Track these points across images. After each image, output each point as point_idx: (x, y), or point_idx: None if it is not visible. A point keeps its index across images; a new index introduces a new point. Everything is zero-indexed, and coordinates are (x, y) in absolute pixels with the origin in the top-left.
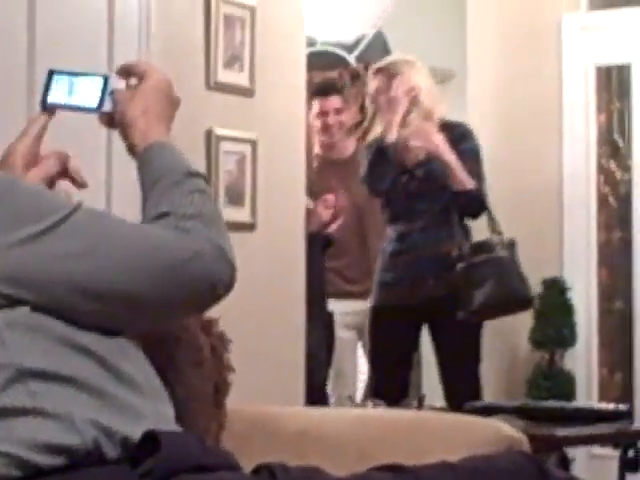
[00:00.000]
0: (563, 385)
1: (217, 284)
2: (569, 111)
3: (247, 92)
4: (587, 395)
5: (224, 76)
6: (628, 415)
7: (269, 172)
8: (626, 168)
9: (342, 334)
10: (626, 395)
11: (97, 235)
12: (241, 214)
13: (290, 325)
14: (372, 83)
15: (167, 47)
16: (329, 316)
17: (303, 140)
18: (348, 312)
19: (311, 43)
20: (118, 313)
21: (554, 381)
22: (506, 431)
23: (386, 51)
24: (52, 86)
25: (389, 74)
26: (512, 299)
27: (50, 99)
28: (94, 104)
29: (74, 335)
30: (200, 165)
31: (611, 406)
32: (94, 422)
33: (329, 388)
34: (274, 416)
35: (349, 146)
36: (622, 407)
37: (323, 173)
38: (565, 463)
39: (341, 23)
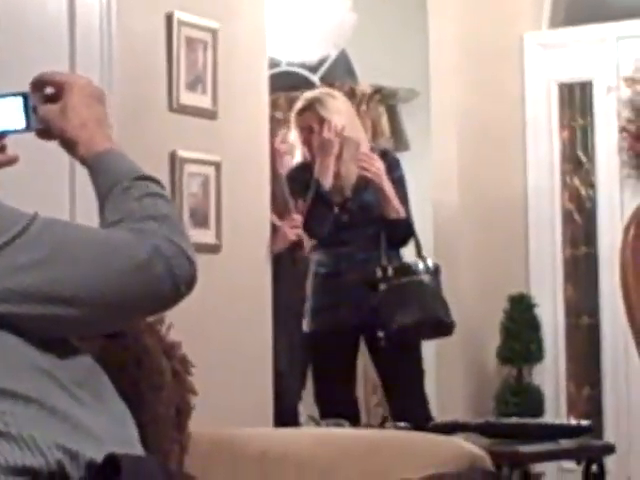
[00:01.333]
0: (531, 400)
1: (179, 281)
2: (532, 128)
3: (210, 114)
4: (555, 410)
5: (187, 98)
6: (591, 430)
7: (233, 194)
8: (590, 184)
9: None
10: (594, 410)
11: (57, 242)
12: (206, 236)
13: (256, 346)
14: (301, 122)
15: (129, 69)
16: (305, 336)
17: (267, 161)
18: None
19: (275, 64)
20: (83, 317)
21: (522, 397)
22: (468, 449)
23: (350, 71)
24: None
25: (318, 117)
26: (432, 323)
27: None
28: (22, 125)
29: (37, 357)
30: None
31: (574, 422)
32: (58, 445)
33: (301, 408)
34: (236, 438)
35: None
36: (584, 422)
37: None
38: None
39: (304, 44)
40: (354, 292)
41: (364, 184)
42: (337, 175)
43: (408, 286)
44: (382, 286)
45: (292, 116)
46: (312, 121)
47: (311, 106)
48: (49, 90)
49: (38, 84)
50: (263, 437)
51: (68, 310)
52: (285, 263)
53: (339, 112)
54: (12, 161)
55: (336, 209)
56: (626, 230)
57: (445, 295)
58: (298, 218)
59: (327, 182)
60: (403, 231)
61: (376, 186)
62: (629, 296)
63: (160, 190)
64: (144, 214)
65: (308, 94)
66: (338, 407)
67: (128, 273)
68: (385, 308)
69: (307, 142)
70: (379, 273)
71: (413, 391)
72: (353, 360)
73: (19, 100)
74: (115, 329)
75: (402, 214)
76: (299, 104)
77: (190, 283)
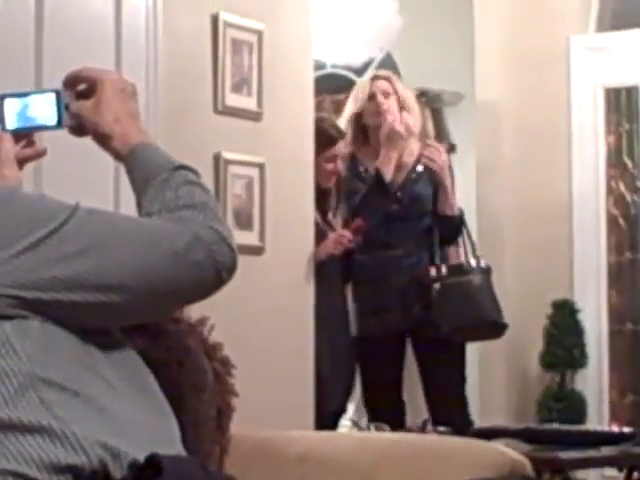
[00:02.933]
0: (574, 407)
1: (220, 267)
2: (578, 132)
3: (255, 116)
4: (598, 417)
5: (232, 100)
6: (633, 438)
7: (277, 195)
8: (635, 190)
9: None
10: (637, 417)
11: (100, 231)
12: (249, 238)
13: (298, 349)
14: (373, 87)
15: (175, 70)
16: (352, 340)
17: (312, 163)
18: None
19: (320, 66)
20: (129, 304)
21: (564, 403)
22: (508, 454)
23: (396, 73)
24: (6, 111)
25: (399, 102)
26: (486, 324)
27: (8, 125)
28: (53, 121)
29: (81, 351)
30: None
31: (616, 429)
32: (101, 443)
33: (351, 415)
34: (277, 440)
35: None
36: (627, 430)
37: None
38: None
39: (350, 46)
40: (403, 295)
41: (416, 176)
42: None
43: (462, 286)
44: (436, 285)
45: (364, 83)
46: (382, 90)
47: (389, 78)
48: (82, 86)
49: (71, 81)
50: (303, 440)
51: (114, 297)
52: (329, 265)
53: (412, 103)
54: (40, 155)
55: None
56: None
57: None
58: (346, 235)
59: (388, 174)
60: (456, 228)
61: (438, 179)
62: None
63: (197, 179)
64: (182, 203)
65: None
66: (386, 411)
67: (170, 260)
68: (438, 308)
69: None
70: (433, 272)
71: (454, 395)
72: (401, 363)
73: (52, 97)
74: (160, 317)
75: (457, 211)
76: (378, 72)
77: (231, 269)
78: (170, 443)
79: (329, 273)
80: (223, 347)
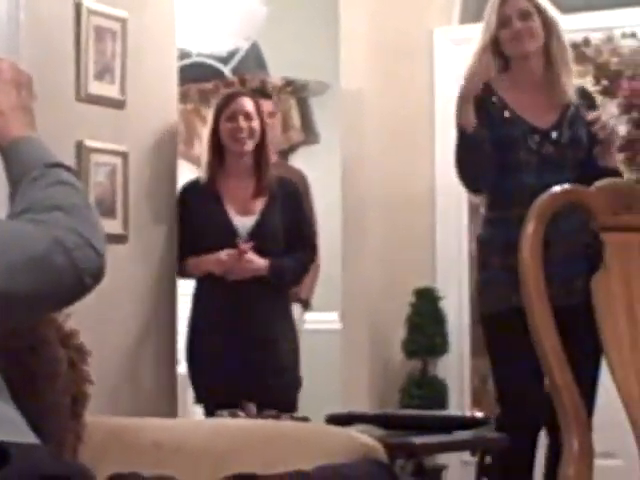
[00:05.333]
0: (435, 393)
1: (82, 273)
2: (441, 123)
3: (118, 104)
4: (459, 403)
5: (95, 88)
6: (486, 423)
7: (140, 184)
8: None
9: None
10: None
11: None
12: (113, 226)
13: (161, 337)
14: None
15: (37, 57)
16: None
17: (175, 151)
18: None
19: (186, 55)
20: None
21: (427, 390)
22: (361, 440)
23: (261, 63)
24: None
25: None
26: None
27: None
28: None
29: None
30: None
31: (469, 414)
32: None
33: None
34: (132, 427)
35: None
36: (480, 415)
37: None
38: (421, 471)
39: (215, 35)
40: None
41: (574, 117)
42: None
43: None
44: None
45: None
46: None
47: None
48: None
49: None
50: (158, 427)
51: None
52: None
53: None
54: None
55: (537, 138)
56: (526, 226)
57: (351, 288)
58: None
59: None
60: None
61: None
62: (529, 299)
63: (70, 178)
64: (50, 203)
65: None
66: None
67: (27, 264)
68: None
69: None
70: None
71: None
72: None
73: None
74: (23, 323)
75: (616, 165)
76: None
77: (97, 275)
78: (17, 430)
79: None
80: (79, 335)
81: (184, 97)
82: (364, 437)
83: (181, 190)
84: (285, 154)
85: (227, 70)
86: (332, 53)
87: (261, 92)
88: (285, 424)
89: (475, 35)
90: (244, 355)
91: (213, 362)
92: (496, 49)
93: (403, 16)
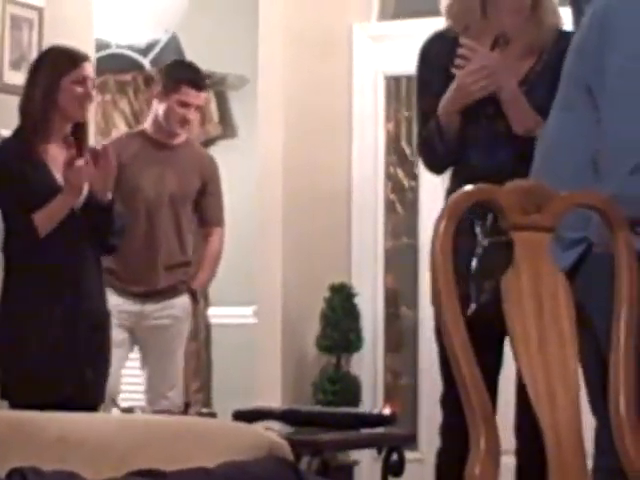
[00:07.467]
0: (349, 389)
1: None
2: (359, 119)
3: None
4: (372, 399)
5: (11, 77)
6: (393, 420)
7: None
8: (413, 176)
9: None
10: (411, 400)
11: None
12: None
13: None
14: None
15: None
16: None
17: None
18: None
19: (105, 45)
20: None
21: (340, 385)
22: (266, 437)
23: (180, 55)
24: None
25: None
26: None
27: None
28: None
29: None
30: None
31: (376, 411)
32: None
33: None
34: (35, 421)
35: (182, 136)
36: (386, 412)
37: (139, 147)
38: (326, 468)
39: (134, 26)
40: None
41: (535, 77)
42: None
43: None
44: (484, 242)
45: None
46: None
47: None
48: None
49: None
50: (62, 421)
51: None
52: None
53: None
54: None
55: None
56: (437, 223)
57: (266, 283)
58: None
59: None
60: None
61: None
62: (438, 296)
63: None
64: None
65: None
66: None
67: None
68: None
69: None
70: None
71: None
72: None
73: None
74: None
75: None
76: None
77: None
78: None
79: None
80: None
81: (102, 88)
82: (269, 434)
83: None
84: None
85: (146, 62)
86: (251, 47)
87: (198, 84)
88: (191, 420)
89: (394, 32)
90: None
91: None
92: None
93: (323, 11)
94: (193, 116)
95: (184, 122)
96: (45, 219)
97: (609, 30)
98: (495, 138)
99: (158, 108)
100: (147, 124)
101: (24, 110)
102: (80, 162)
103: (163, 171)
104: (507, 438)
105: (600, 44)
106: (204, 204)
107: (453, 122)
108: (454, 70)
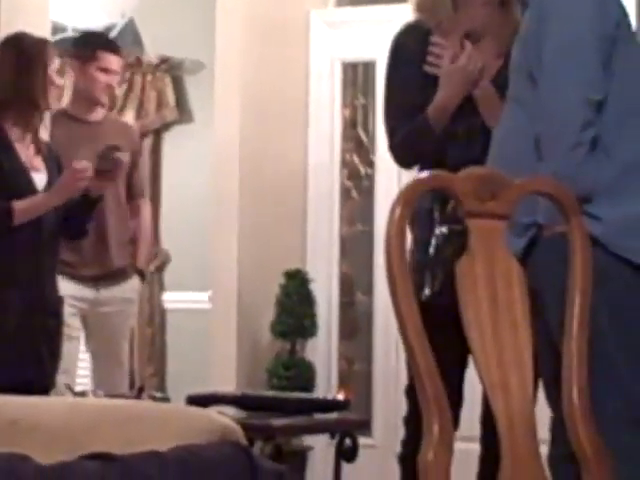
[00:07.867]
0: (303, 375)
1: None
2: (315, 105)
3: None
4: (327, 385)
5: None
6: (346, 406)
7: None
8: (369, 163)
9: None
10: (365, 386)
11: None
12: None
13: None
14: None
15: None
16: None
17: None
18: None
19: (61, 29)
20: None
21: (294, 371)
22: (219, 421)
23: (137, 40)
24: None
25: None
26: None
27: None
28: None
29: None
30: None
31: (330, 397)
32: None
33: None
34: None
35: (100, 111)
36: (340, 397)
37: (67, 128)
38: (279, 453)
39: (91, 10)
40: None
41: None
42: None
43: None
44: (442, 229)
45: None
46: None
47: None
48: None
49: None
50: (14, 404)
51: None
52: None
53: None
54: None
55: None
56: (392, 210)
57: (222, 268)
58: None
59: None
60: None
61: None
62: (394, 283)
63: None
64: None
65: None
66: None
67: None
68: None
69: None
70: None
71: None
72: None
73: None
74: None
75: None
76: None
77: None
78: None
79: None
80: None
81: (59, 72)
82: (222, 418)
83: None
84: (158, 132)
85: None
86: (208, 32)
87: (114, 49)
88: (144, 404)
89: (351, 18)
90: None
91: None
92: None
93: None
94: (115, 82)
95: (108, 88)
96: (25, 212)
97: (545, 19)
98: (471, 133)
99: (78, 82)
100: (67, 103)
101: None
102: (80, 164)
103: (97, 148)
104: (475, 426)
105: (538, 33)
106: (135, 177)
107: (444, 119)
108: (427, 68)
